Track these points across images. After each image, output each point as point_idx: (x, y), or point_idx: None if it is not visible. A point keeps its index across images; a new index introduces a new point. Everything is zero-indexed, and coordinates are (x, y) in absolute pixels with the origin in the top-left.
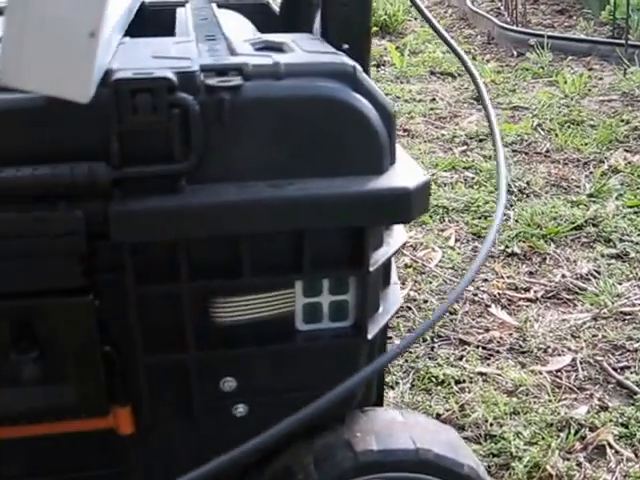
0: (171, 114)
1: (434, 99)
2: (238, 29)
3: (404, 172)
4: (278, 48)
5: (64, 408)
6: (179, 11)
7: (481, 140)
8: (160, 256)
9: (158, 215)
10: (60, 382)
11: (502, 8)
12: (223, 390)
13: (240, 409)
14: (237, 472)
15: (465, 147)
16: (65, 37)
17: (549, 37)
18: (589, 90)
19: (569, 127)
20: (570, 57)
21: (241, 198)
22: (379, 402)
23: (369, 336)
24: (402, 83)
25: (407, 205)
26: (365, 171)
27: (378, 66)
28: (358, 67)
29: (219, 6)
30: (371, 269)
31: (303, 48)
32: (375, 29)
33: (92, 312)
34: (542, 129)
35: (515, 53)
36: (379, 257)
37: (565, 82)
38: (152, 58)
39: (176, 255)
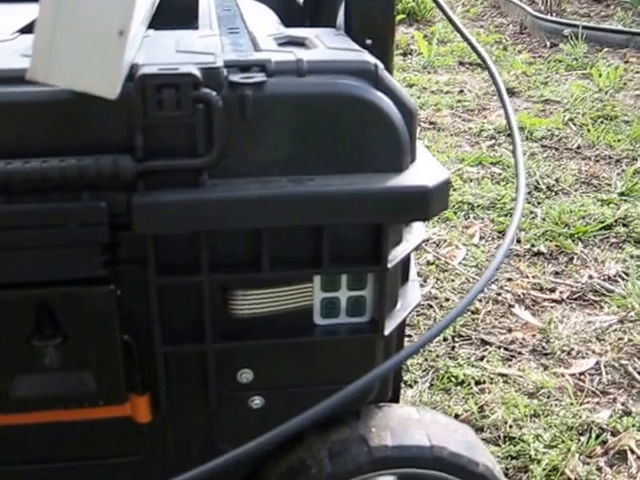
0: (195, 109)
1: (462, 91)
2: (261, 22)
3: (424, 170)
4: (301, 43)
5: (83, 395)
6: (202, 0)
7: (509, 135)
8: (181, 248)
9: (179, 208)
10: (80, 369)
11: None
12: (240, 382)
13: (256, 401)
14: (252, 462)
15: (493, 141)
16: (95, 35)
17: (584, 27)
18: (624, 84)
19: (602, 122)
20: (606, 49)
21: (262, 193)
22: (395, 398)
23: (386, 332)
24: (429, 73)
25: (426, 203)
26: (385, 168)
27: (405, 55)
28: (380, 65)
29: None
30: (389, 265)
31: (326, 44)
32: (402, 16)
33: (113, 302)
34: (574, 124)
35: (548, 44)
36: (398, 254)
37: (600, 75)
38: (176, 53)
39: (197, 247)
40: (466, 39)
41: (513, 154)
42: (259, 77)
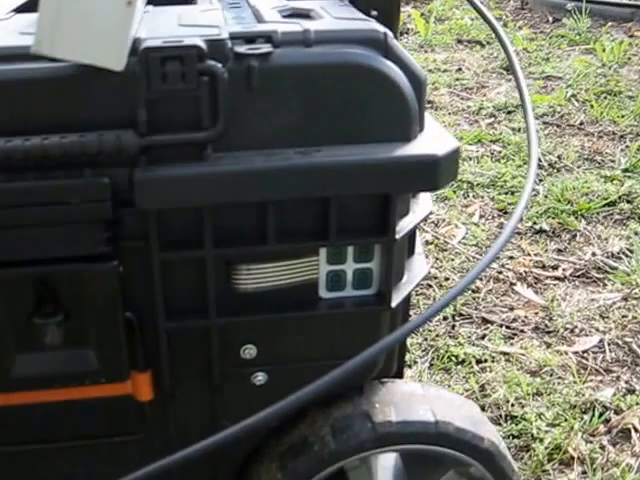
0: (200, 82)
1: (460, 69)
2: None
3: (433, 139)
4: (306, 15)
5: (84, 373)
6: None
7: (509, 112)
8: (185, 223)
9: (183, 182)
10: (82, 347)
11: None
12: (243, 358)
13: (259, 377)
14: (255, 440)
15: (492, 119)
16: (102, 5)
17: (588, 1)
18: (629, 59)
19: (605, 98)
20: (610, 23)
21: (267, 165)
22: (399, 374)
23: (392, 304)
24: (426, 52)
25: (435, 172)
26: (394, 138)
27: (401, 34)
28: (389, 33)
29: None
30: (397, 237)
31: (332, 15)
32: None
33: (116, 278)
34: (576, 100)
35: (550, 19)
36: (405, 225)
37: (603, 50)
38: (179, 26)
39: (201, 222)
40: (479, 11)
41: (526, 125)
42: (265, 48)
